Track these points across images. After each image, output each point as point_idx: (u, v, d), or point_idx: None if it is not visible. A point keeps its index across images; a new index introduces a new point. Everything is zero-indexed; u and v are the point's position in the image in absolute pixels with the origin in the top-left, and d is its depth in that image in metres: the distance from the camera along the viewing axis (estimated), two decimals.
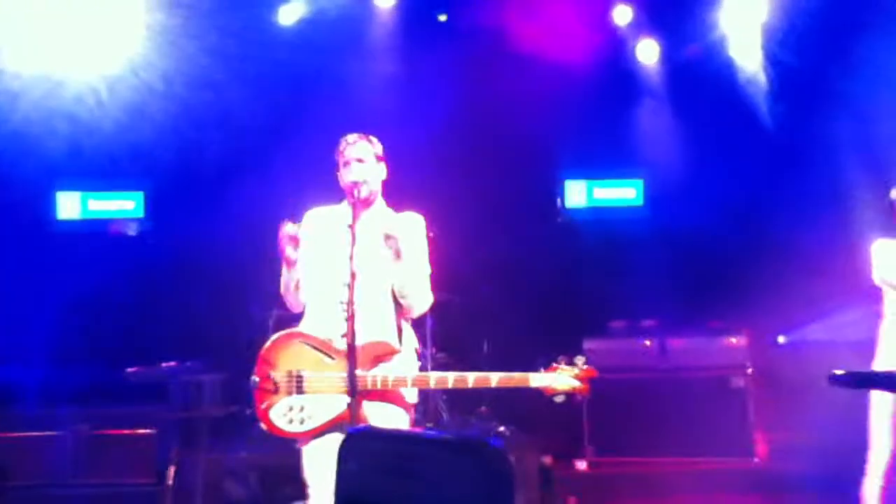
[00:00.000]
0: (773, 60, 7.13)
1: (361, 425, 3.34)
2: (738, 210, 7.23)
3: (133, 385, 5.89)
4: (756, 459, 6.00)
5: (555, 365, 3.56)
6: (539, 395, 6.99)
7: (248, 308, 6.76)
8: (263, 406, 3.54)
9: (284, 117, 7.03)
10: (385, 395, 3.56)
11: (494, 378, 3.51)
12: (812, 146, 6.82)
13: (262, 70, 7.01)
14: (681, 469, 5.96)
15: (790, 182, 7.01)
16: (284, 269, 3.68)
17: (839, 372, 3.91)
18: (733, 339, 6.28)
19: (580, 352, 6.34)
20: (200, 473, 5.67)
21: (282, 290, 3.74)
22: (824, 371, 3.99)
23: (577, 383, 3.52)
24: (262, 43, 7.02)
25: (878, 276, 4.32)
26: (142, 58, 6.77)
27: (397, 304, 3.65)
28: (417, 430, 3.46)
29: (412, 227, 3.78)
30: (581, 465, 6.24)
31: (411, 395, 3.67)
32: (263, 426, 3.55)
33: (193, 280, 7.10)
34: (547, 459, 6.46)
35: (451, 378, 3.55)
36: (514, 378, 3.53)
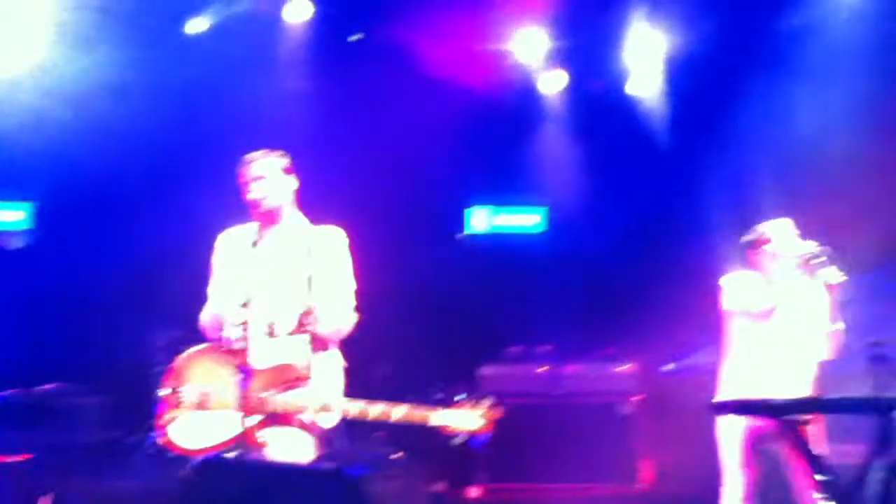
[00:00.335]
0: (672, 92, 7.42)
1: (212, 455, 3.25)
2: (635, 239, 7.44)
3: (9, 408, 5.60)
4: (640, 485, 6.13)
5: (458, 402, 3.44)
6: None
7: (144, 330, 6.55)
8: (165, 419, 3.46)
9: (192, 130, 6.86)
10: (289, 419, 3.49)
11: (396, 413, 3.43)
12: (706, 177, 7.08)
13: (171, 80, 6.85)
14: (570, 495, 6.04)
15: (685, 212, 7.26)
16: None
17: (720, 400, 4.06)
18: (623, 367, 6.43)
19: (474, 377, 6.46)
20: (79, 503, 5.42)
21: (206, 327, 3.67)
22: (709, 398, 4.13)
23: (480, 423, 3.39)
24: (172, 53, 6.89)
25: (729, 304, 4.46)
26: (46, 61, 6.51)
27: (311, 326, 3.56)
28: (274, 461, 3.38)
29: (330, 242, 3.72)
30: (474, 491, 6.24)
31: (325, 421, 3.58)
32: (160, 441, 3.46)
33: (83, 298, 6.81)
34: (439, 486, 6.45)
35: (353, 407, 3.48)
36: (415, 415, 3.43)
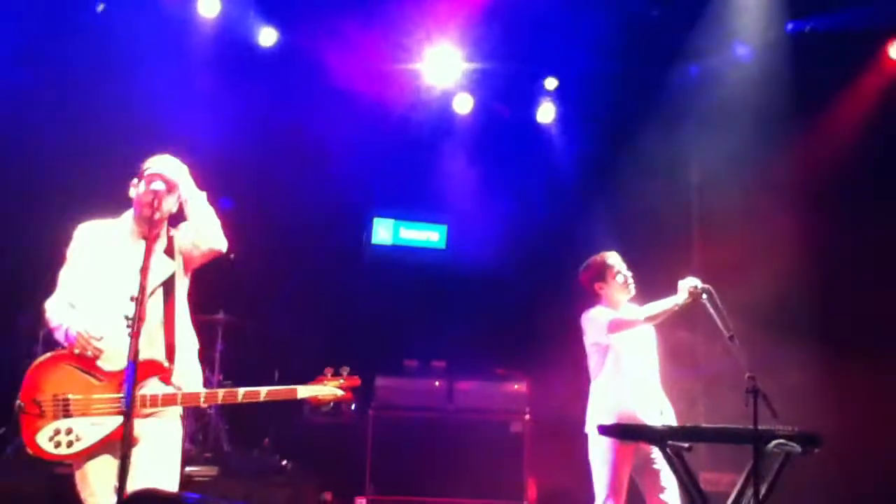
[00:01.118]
0: (575, 122, 7.67)
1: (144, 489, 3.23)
2: (533, 260, 7.64)
3: None
4: (525, 503, 6.27)
5: (320, 377, 3.63)
6: (324, 430, 6.96)
7: (14, 318, 6.27)
8: (30, 429, 3.38)
9: (80, 119, 6.61)
10: (157, 415, 3.49)
11: (263, 391, 3.51)
12: (606, 205, 7.34)
13: (66, 64, 6.61)
14: None
15: (580, 235, 7.48)
16: (64, 328, 3.47)
17: (608, 423, 4.22)
18: (516, 385, 6.57)
19: (372, 388, 6.47)
20: None
21: (52, 324, 3.53)
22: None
23: (340, 392, 3.62)
24: (72, 35, 6.65)
25: (606, 318, 4.65)
26: None
27: (167, 318, 3.55)
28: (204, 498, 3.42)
29: (184, 228, 3.70)
30: (361, 501, 6.24)
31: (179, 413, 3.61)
32: (30, 451, 3.39)
33: None
34: (327, 495, 6.42)
35: (220, 393, 3.55)
36: (282, 391, 3.54)
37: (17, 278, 5.88)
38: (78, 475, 3.46)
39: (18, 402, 3.38)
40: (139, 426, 3.38)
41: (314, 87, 7.30)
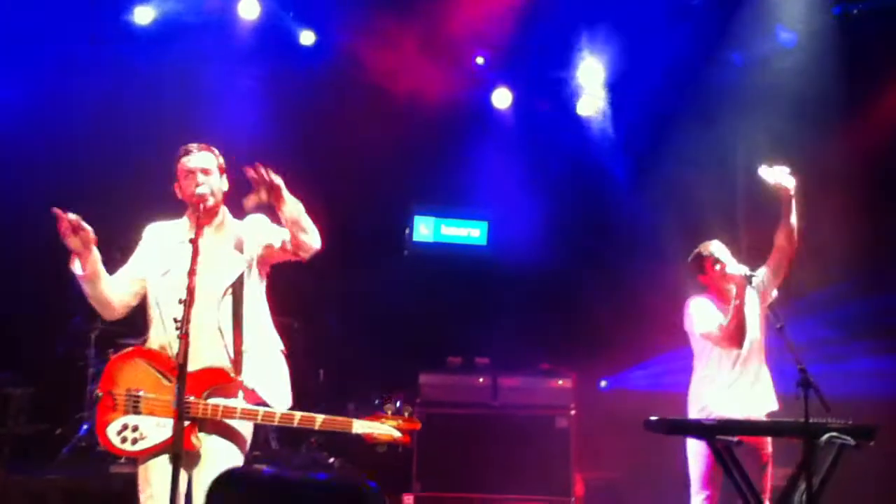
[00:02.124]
0: (617, 115, 7.58)
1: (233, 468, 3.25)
2: (576, 257, 7.57)
3: None
4: (573, 499, 6.23)
5: (379, 413, 3.53)
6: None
7: (69, 319, 6.39)
8: (102, 420, 3.46)
9: (125, 120, 6.73)
10: (220, 426, 3.47)
11: (319, 420, 3.46)
12: (650, 198, 7.25)
13: (109, 68, 6.73)
14: None
15: (624, 232, 7.42)
16: (77, 266, 3.50)
17: (654, 418, 4.17)
18: (560, 381, 6.52)
19: (416, 385, 6.48)
20: (4, 494, 5.27)
21: (95, 305, 3.60)
22: (643, 415, 4.23)
23: (398, 434, 3.47)
24: (115, 40, 6.77)
25: (698, 330, 4.60)
26: None
27: (237, 330, 3.54)
28: (294, 473, 3.43)
29: (258, 225, 3.70)
30: (409, 499, 6.25)
31: (247, 431, 3.57)
32: (99, 441, 3.47)
33: (6, 285, 6.60)
34: (381, 451, 6.42)
35: (277, 415, 3.49)
36: (338, 421, 3.48)
37: (70, 280, 5.99)
38: (140, 474, 3.50)
39: (97, 391, 3.47)
40: (205, 441, 3.42)
41: (354, 86, 7.33)
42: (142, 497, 3.48)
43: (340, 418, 3.48)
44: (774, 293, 4.58)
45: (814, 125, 6.47)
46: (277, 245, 3.62)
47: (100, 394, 3.46)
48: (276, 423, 3.51)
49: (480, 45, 7.43)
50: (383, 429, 3.46)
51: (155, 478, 3.44)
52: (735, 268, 4.44)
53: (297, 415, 3.47)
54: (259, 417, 3.49)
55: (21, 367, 6.24)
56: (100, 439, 3.46)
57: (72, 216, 3.43)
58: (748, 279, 4.33)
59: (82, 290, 3.59)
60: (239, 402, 3.49)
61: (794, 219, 4.51)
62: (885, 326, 6.35)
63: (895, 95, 6.64)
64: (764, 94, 6.89)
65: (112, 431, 3.42)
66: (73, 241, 3.45)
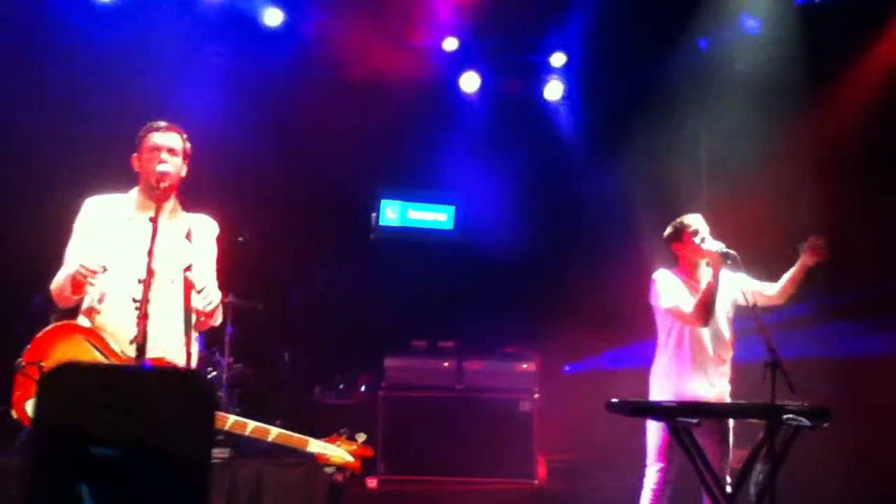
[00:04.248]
0: (584, 98, 7.61)
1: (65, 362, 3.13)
2: (542, 241, 7.61)
3: None
4: (536, 481, 6.28)
5: (335, 436, 3.55)
6: (335, 411, 6.99)
7: (29, 297, 6.29)
8: (19, 394, 3.26)
9: (78, 95, 6.61)
10: None
11: (273, 433, 3.43)
12: (613, 182, 7.29)
13: (67, 43, 6.62)
14: (468, 489, 6.13)
15: (589, 216, 7.46)
16: (69, 291, 3.39)
17: (615, 400, 4.18)
18: (524, 365, 6.56)
19: (381, 368, 6.48)
20: None
21: (55, 291, 3.46)
22: (606, 397, 4.25)
23: (350, 459, 3.52)
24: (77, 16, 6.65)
25: (664, 304, 4.54)
26: None
27: (188, 314, 3.44)
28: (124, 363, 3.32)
29: (209, 230, 3.65)
30: (372, 482, 6.26)
31: None
32: (14, 414, 3.26)
33: None
34: (338, 475, 6.44)
35: (230, 420, 3.44)
36: (293, 438, 3.47)
37: (33, 259, 5.90)
38: None
39: (19, 360, 3.28)
40: None
41: (320, 68, 7.27)
42: None
43: (296, 435, 3.48)
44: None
45: (776, 110, 6.55)
46: (196, 284, 3.47)
47: (22, 363, 3.27)
48: (225, 429, 3.43)
49: (449, 28, 7.40)
50: (337, 452, 3.50)
51: None
52: (713, 243, 4.39)
53: (251, 424, 3.42)
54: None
55: None
56: (15, 412, 3.24)
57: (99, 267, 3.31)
58: (725, 256, 4.29)
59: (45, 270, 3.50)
60: None
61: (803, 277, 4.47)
62: (850, 309, 6.45)
63: (853, 82, 6.72)
64: (728, 80, 6.97)
65: (32, 406, 3.16)
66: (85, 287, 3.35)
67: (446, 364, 6.56)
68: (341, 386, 7.04)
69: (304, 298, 7.24)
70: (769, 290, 4.57)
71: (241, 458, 5.89)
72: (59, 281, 3.44)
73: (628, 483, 4.71)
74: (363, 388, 6.97)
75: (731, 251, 4.29)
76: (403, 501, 6.20)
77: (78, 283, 3.32)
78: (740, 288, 4.44)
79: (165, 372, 2.80)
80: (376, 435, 6.32)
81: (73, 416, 2.34)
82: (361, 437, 3.57)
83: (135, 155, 3.57)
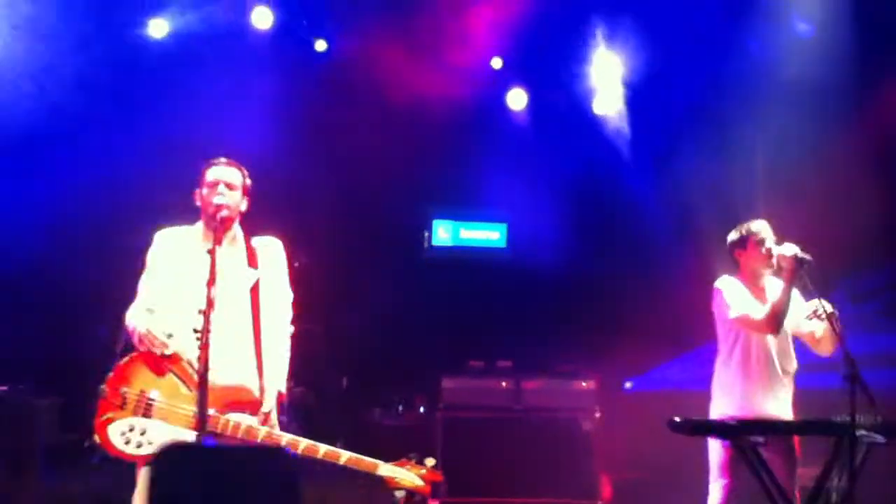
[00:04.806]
0: (634, 113, 7.53)
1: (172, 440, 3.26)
2: (596, 256, 7.52)
3: None
4: (601, 502, 6.18)
5: (405, 459, 3.59)
6: (393, 433, 7.00)
7: (95, 328, 6.44)
8: (104, 418, 3.39)
9: (144, 132, 6.78)
10: (235, 441, 3.45)
11: (344, 456, 3.48)
12: (666, 192, 7.20)
13: (129, 79, 6.79)
14: None
15: (644, 230, 7.36)
16: (133, 330, 3.54)
17: (678, 419, 4.09)
18: (583, 383, 6.48)
19: (439, 389, 6.47)
20: None
21: (128, 326, 3.58)
22: (668, 415, 4.16)
23: (420, 483, 3.56)
24: (130, 53, 6.82)
25: (732, 312, 4.38)
26: (5, 51, 6.41)
27: (258, 348, 3.55)
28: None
29: (275, 252, 3.75)
30: (434, 503, 6.23)
31: None
32: (97, 438, 3.39)
33: (26, 293, 6.64)
34: (400, 496, 6.44)
35: (302, 444, 3.49)
36: (364, 462, 3.51)
37: (99, 290, 6.04)
38: (140, 480, 3.45)
39: (102, 386, 3.40)
40: None
41: (367, 91, 7.33)
42: (137, 501, 3.43)
43: (367, 460, 3.52)
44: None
45: (829, 114, 6.41)
46: (273, 306, 3.68)
47: (105, 389, 3.39)
48: (298, 453, 3.48)
49: (495, 45, 7.39)
50: (407, 475, 3.53)
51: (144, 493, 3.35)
52: (788, 247, 4.22)
53: (323, 448, 3.47)
54: (283, 443, 3.47)
55: (47, 378, 6.28)
56: (98, 436, 3.37)
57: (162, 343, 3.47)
58: (801, 261, 4.13)
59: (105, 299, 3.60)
60: (262, 426, 3.48)
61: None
62: None
63: None
64: (780, 83, 6.83)
65: (115, 430, 3.36)
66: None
67: (504, 384, 6.51)
68: (400, 407, 7.04)
69: (360, 323, 7.27)
70: (816, 335, 4.38)
71: (302, 480, 5.94)
72: (131, 319, 3.57)
73: (695, 502, 4.61)
74: (421, 410, 6.95)
75: (807, 256, 4.12)
76: None
77: (140, 341, 3.46)
78: (797, 319, 4.31)
79: (253, 451, 3.08)
80: (435, 456, 6.27)
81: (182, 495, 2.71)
82: (430, 462, 3.59)
83: (197, 190, 3.68)
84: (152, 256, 3.69)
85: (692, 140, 7.04)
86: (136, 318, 3.54)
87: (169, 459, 2.74)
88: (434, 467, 3.58)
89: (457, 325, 7.28)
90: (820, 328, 4.34)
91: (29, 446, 5.86)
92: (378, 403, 7.10)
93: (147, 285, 3.65)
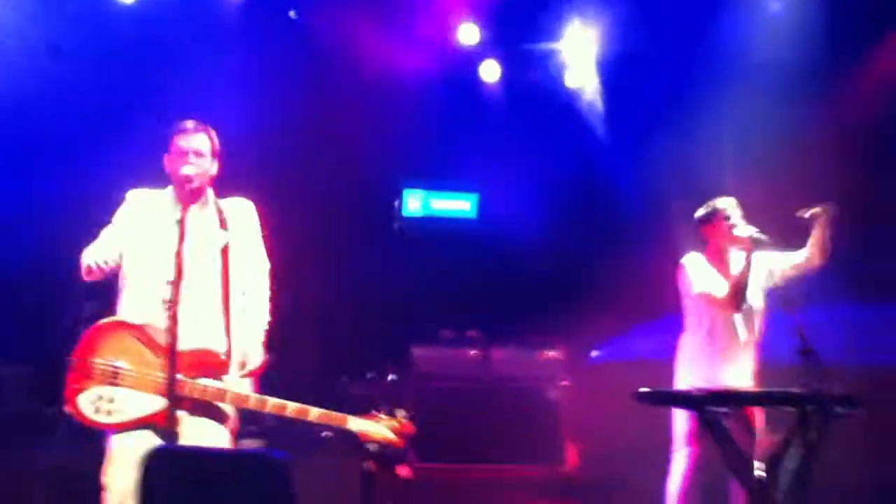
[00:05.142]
0: (607, 87, 7.55)
1: (162, 444, 3.25)
2: (567, 228, 7.59)
3: None
4: (566, 468, 6.31)
5: (375, 413, 3.59)
6: (365, 400, 7.03)
7: (67, 299, 6.38)
8: (74, 387, 3.40)
9: (113, 95, 6.68)
10: (203, 406, 3.46)
11: (313, 412, 3.49)
12: (637, 168, 7.26)
13: (97, 44, 6.67)
14: (498, 476, 6.18)
15: (613, 203, 7.44)
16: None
17: (643, 389, 4.18)
18: (551, 353, 6.59)
19: (407, 359, 6.52)
20: None
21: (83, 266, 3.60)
22: (635, 385, 4.25)
23: (392, 436, 3.57)
24: (101, 17, 6.70)
25: (695, 289, 4.50)
26: None
27: (227, 310, 3.55)
28: (213, 447, 3.43)
29: (246, 213, 3.74)
30: (404, 471, 6.30)
31: (229, 407, 3.57)
32: (68, 409, 3.40)
33: (3, 267, 6.57)
34: (370, 465, 6.49)
35: (269, 402, 3.50)
36: (333, 416, 3.52)
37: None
38: (109, 449, 3.46)
39: (69, 357, 3.40)
40: (183, 417, 3.35)
41: (339, 60, 7.28)
42: (106, 469, 3.45)
43: (336, 413, 3.52)
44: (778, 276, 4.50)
45: (799, 96, 6.50)
46: (249, 273, 3.69)
47: (73, 360, 3.39)
48: (266, 411, 3.50)
49: (468, 15, 7.36)
50: (379, 429, 3.53)
51: (119, 453, 3.40)
52: (745, 228, 4.34)
53: (291, 405, 3.47)
54: (250, 403, 3.50)
55: (15, 346, 6.23)
56: (69, 407, 3.38)
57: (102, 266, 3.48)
58: (757, 241, 4.24)
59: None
60: (228, 384, 3.48)
61: (827, 236, 4.38)
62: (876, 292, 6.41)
63: (880, 65, 6.65)
64: (753, 67, 6.90)
65: (85, 400, 3.36)
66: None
67: (473, 353, 6.59)
68: (368, 375, 7.08)
69: (328, 291, 7.28)
70: (798, 258, 4.53)
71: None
72: (84, 258, 3.57)
73: (661, 470, 4.72)
74: (391, 378, 7.01)
75: (764, 236, 4.25)
76: (435, 489, 6.23)
77: (89, 273, 3.50)
78: (768, 268, 4.42)
79: (241, 456, 3.16)
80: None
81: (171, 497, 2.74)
82: (401, 413, 3.60)
83: (166, 155, 3.64)
84: (121, 215, 3.67)
85: (664, 117, 7.10)
86: (86, 256, 3.56)
87: (158, 464, 2.76)
88: (405, 417, 3.59)
89: (427, 294, 7.32)
90: (799, 255, 4.51)
91: None
92: (347, 372, 7.13)
93: (108, 236, 3.62)
